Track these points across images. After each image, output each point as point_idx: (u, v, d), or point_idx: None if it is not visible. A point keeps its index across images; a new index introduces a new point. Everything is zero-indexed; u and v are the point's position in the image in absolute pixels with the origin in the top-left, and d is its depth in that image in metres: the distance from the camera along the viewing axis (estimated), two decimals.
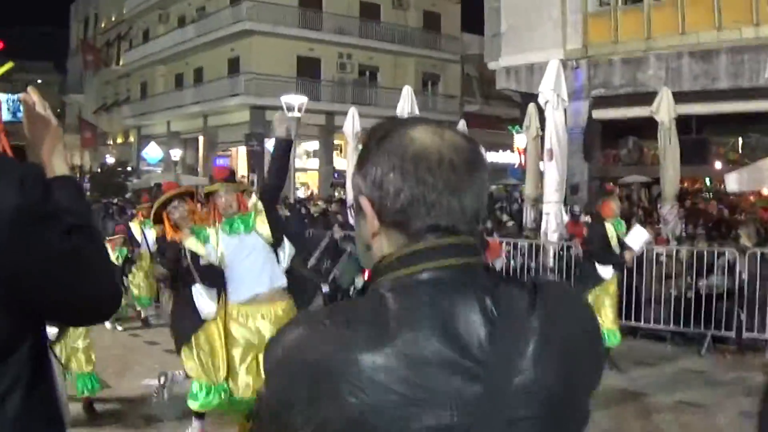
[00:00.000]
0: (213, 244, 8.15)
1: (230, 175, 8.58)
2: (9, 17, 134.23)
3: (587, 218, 18.70)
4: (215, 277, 8.27)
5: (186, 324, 8.49)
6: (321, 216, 26.65)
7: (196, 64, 55.59)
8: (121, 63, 66.96)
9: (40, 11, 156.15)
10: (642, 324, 14.63)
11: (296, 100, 27.76)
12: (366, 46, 52.38)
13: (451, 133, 1.91)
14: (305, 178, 54.36)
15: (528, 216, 23.02)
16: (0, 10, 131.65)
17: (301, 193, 49.27)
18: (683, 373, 12.35)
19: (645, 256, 14.56)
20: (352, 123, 25.46)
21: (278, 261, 8.30)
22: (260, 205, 8.16)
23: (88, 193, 51.37)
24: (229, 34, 49.22)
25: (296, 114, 28.16)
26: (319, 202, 31.10)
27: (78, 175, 66.51)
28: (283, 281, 8.29)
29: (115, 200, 43.61)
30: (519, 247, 17.64)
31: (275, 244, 8.26)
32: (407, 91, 23.02)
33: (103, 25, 74.53)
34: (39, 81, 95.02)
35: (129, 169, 59.71)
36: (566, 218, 18.87)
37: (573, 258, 16.02)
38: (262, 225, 8.15)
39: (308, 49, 50.09)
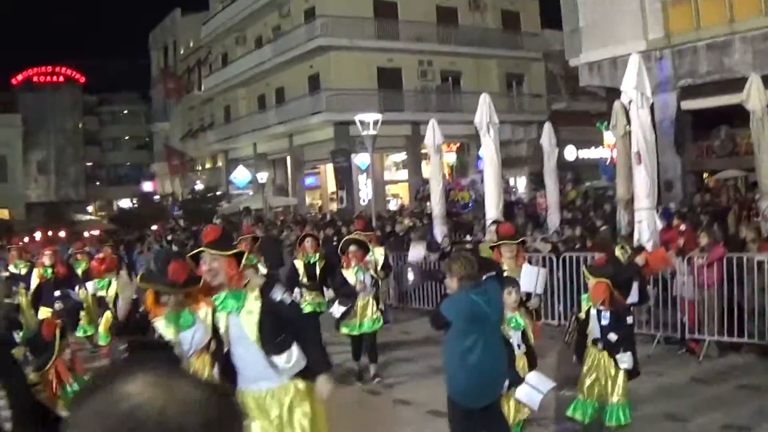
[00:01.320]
0: (206, 324, 6.81)
1: (219, 239, 6.83)
2: (91, 51, 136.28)
3: (682, 226, 17.63)
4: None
5: None
6: (406, 235, 25.93)
7: (277, 84, 55.45)
8: (202, 88, 66.99)
9: (121, 43, 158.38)
10: (746, 339, 13.51)
11: (371, 117, 27.18)
12: (446, 52, 51.41)
13: (188, 384, 1.32)
14: (396, 189, 53.91)
15: (622, 219, 21.97)
16: (81, 44, 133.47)
17: (393, 205, 48.82)
18: None
19: (746, 264, 13.54)
20: (433, 134, 24.79)
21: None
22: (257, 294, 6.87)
23: (181, 221, 51.62)
24: (306, 51, 48.94)
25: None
26: (406, 220, 30.35)
27: (171, 202, 67.19)
28: (300, 366, 6.88)
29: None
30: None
31: (267, 351, 6.80)
32: (484, 99, 22.09)
33: (182, 52, 75.26)
34: (125, 112, 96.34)
35: (219, 193, 59.65)
36: (660, 224, 17.83)
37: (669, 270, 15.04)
38: (249, 319, 6.76)
39: (387, 60, 49.52)
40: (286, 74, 53.13)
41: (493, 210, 21.24)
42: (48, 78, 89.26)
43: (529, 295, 10.11)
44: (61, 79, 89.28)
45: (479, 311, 7.70)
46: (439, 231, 24.61)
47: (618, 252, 11.95)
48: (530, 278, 10.37)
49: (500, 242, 11.07)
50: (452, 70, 52.69)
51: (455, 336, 7.86)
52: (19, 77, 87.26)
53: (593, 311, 9.58)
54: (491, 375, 7.91)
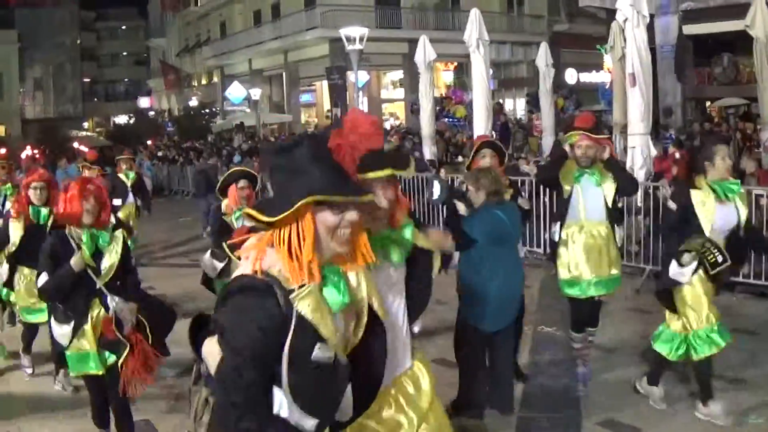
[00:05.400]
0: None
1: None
2: None
3: (677, 154, 16.94)
4: None
5: None
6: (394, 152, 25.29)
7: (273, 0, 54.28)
8: (198, 3, 66.31)
9: None
10: (740, 279, 12.57)
11: (357, 32, 26.85)
12: None
13: None
14: (393, 108, 53.49)
15: (618, 145, 21.34)
16: None
17: (389, 125, 48.42)
18: None
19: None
20: (423, 52, 24.26)
21: None
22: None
23: (175, 138, 51.12)
24: None
25: None
26: (392, 138, 29.60)
27: (166, 119, 66.68)
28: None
29: (197, 144, 43.05)
30: None
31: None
32: (474, 15, 21.50)
33: None
34: (123, 27, 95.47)
35: (214, 110, 59.18)
36: (654, 152, 17.13)
37: (661, 200, 14.28)
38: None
39: None
40: None
41: (481, 130, 20.68)
42: None
43: None
44: None
45: (504, 230, 7.36)
46: (429, 150, 24.19)
47: None
48: None
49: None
50: None
51: (477, 258, 7.32)
52: None
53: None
54: (513, 297, 7.55)
